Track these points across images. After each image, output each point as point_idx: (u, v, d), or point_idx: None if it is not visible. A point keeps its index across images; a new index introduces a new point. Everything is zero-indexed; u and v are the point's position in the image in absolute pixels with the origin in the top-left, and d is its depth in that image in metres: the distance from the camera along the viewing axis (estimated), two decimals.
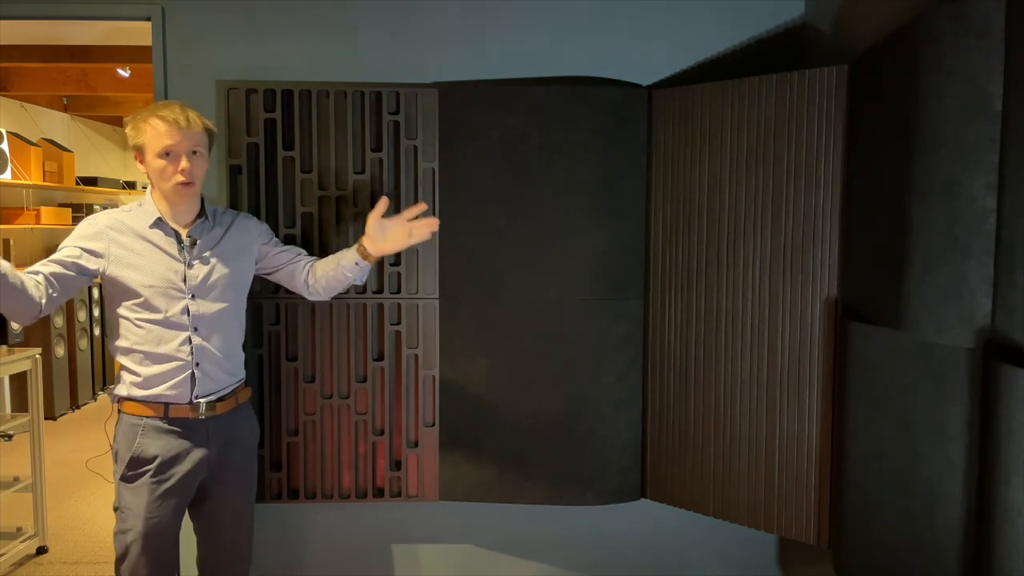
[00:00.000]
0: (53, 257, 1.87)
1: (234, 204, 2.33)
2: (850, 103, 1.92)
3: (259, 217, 2.33)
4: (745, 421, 2.15)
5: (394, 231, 2.05)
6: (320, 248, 2.35)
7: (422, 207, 2.08)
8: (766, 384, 2.11)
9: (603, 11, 2.45)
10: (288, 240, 2.34)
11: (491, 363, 2.38)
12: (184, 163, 1.90)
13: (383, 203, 2.04)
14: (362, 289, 2.37)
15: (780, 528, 2.11)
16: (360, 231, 2.35)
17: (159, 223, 1.96)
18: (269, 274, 2.19)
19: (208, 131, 1.98)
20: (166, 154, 1.90)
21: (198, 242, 1.99)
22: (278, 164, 2.33)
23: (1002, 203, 1.35)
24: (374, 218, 2.04)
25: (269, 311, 2.36)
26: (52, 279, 1.82)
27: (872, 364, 1.72)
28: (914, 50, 1.53)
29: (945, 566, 1.45)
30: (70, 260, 1.87)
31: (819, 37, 2.35)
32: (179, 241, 1.97)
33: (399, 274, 2.38)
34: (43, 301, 1.79)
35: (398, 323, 2.40)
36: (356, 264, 2.07)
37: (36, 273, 1.81)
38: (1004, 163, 1.35)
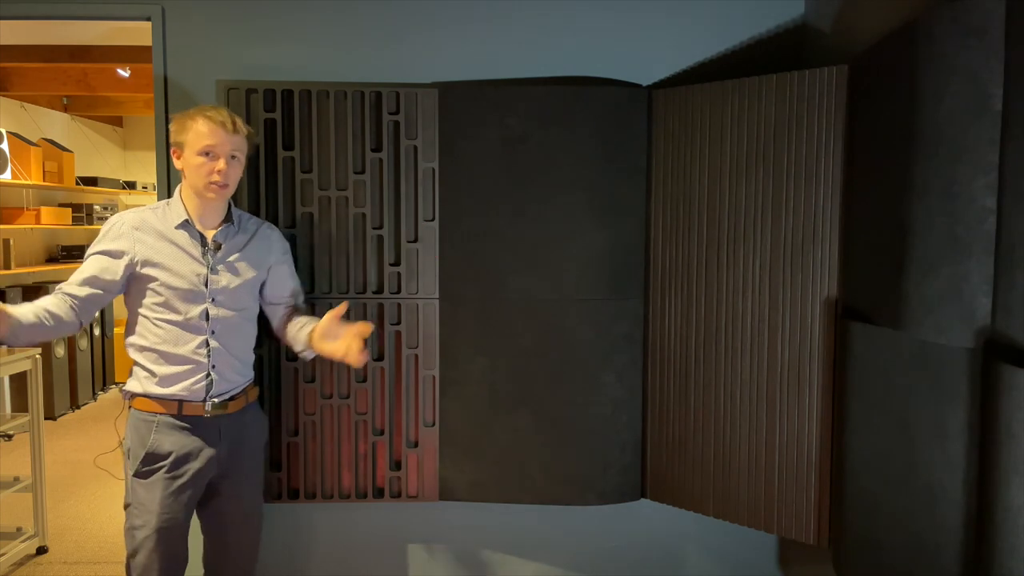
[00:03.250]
0: (85, 276, 1.92)
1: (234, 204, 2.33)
2: (850, 103, 1.92)
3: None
4: (745, 421, 2.15)
5: (340, 339, 1.97)
6: (320, 249, 2.35)
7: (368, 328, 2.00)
8: (766, 384, 2.11)
9: (603, 11, 2.45)
10: (288, 240, 2.34)
11: (491, 363, 2.38)
12: (222, 164, 1.93)
13: (343, 307, 2.00)
14: (362, 289, 2.38)
15: (780, 528, 2.11)
16: (361, 232, 2.35)
17: (186, 225, 1.97)
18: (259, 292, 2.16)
19: (249, 139, 2.02)
20: (206, 153, 1.93)
21: (222, 247, 2.01)
22: (278, 164, 2.33)
23: (1002, 203, 1.35)
24: (330, 318, 1.98)
25: None
26: (87, 301, 1.91)
27: (872, 364, 1.71)
28: (914, 50, 1.53)
29: (945, 566, 1.45)
30: (99, 275, 1.92)
31: (819, 37, 2.35)
32: (203, 244, 1.98)
33: (399, 274, 2.38)
34: (82, 319, 1.91)
35: (398, 323, 2.40)
36: (306, 348, 2.07)
37: (73, 296, 1.89)
38: (1004, 163, 1.35)
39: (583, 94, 2.32)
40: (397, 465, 2.43)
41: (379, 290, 2.38)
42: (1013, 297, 1.32)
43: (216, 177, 1.93)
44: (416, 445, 2.43)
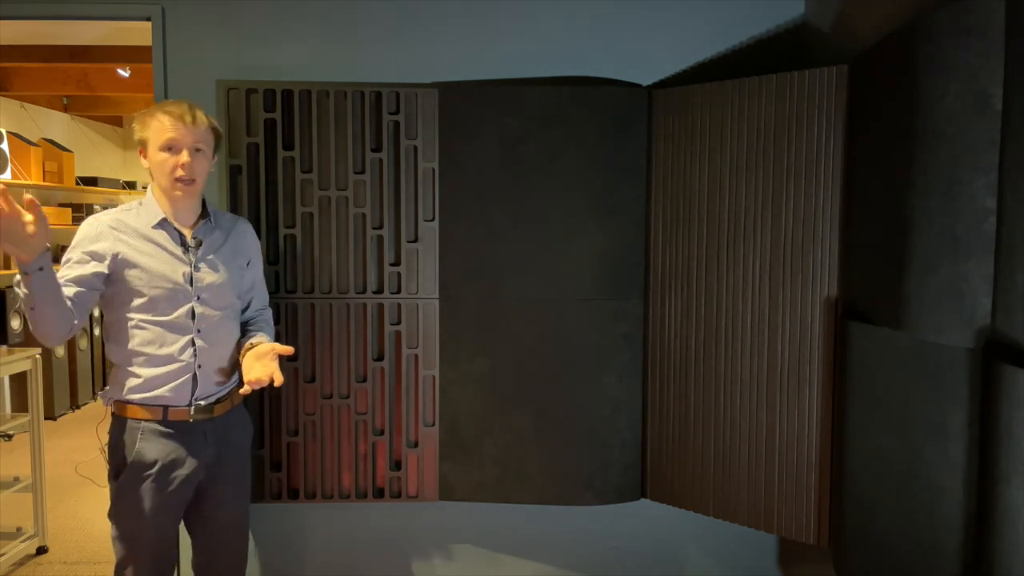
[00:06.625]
0: (70, 276, 1.82)
1: (234, 204, 2.33)
2: (850, 103, 1.92)
3: (259, 217, 2.33)
4: (745, 421, 2.15)
5: (259, 365, 1.92)
6: (320, 249, 2.35)
7: (289, 351, 1.97)
8: (766, 384, 2.11)
9: (603, 11, 2.45)
10: (288, 240, 2.34)
11: (491, 363, 2.38)
12: (185, 157, 1.88)
13: (288, 350, 1.96)
14: (362, 289, 2.38)
15: (780, 528, 2.11)
16: (361, 232, 2.35)
17: (163, 223, 1.94)
18: None
19: (214, 131, 1.97)
20: (168, 148, 1.88)
21: (203, 244, 1.97)
22: (278, 164, 2.33)
23: (1002, 203, 1.35)
24: (277, 351, 1.95)
25: None
26: (80, 301, 1.80)
27: (872, 364, 1.72)
28: (914, 50, 1.53)
29: (945, 566, 1.45)
30: (88, 274, 1.83)
31: (819, 37, 2.35)
32: (183, 243, 1.95)
33: (399, 274, 2.38)
34: (79, 318, 1.80)
35: (398, 323, 2.40)
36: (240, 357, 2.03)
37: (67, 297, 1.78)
38: (1004, 163, 1.35)
39: (583, 94, 2.32)
40: (397, 465, 2.43)
41: (379, 290, 2.38)
42: (1013, 297, 1.32)
43: (180, 172, 1.88)
44: (416, 445, 2.43)
